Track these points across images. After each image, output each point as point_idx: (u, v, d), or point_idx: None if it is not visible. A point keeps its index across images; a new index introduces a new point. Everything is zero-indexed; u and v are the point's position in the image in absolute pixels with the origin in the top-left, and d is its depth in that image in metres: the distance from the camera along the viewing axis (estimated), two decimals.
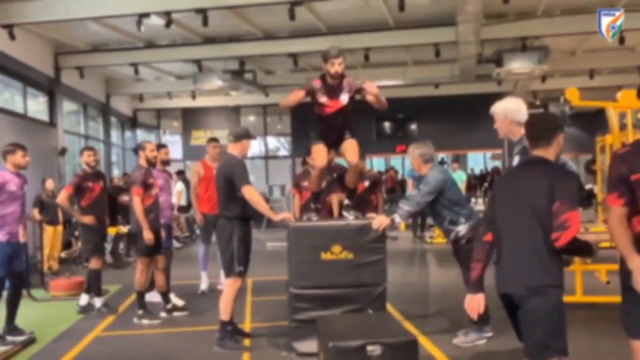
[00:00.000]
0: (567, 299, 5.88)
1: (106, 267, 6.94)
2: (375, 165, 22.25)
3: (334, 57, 4.91)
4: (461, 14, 9.49)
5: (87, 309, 6.70)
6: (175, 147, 20.51)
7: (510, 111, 3.98)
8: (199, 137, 19.19)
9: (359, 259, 4.77)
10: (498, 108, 4.04)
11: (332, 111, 5.09)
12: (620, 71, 15.34)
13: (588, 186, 16.95)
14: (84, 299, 6.79)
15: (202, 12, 9.05)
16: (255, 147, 20.00)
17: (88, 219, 6.60)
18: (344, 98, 5.05)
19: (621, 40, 10.08)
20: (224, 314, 5.09)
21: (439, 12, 10.73)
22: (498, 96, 4.32)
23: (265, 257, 10.67)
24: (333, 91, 5.03)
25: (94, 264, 6.70)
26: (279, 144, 20.79)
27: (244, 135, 5.29)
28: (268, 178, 19.45)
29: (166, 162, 7.30)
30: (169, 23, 9.43)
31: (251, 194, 4.98)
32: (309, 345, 4.62)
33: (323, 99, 5.08)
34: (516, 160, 4.01)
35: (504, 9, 10.06)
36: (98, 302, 6.69)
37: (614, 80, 15.40)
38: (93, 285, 6.68)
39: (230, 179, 5.02)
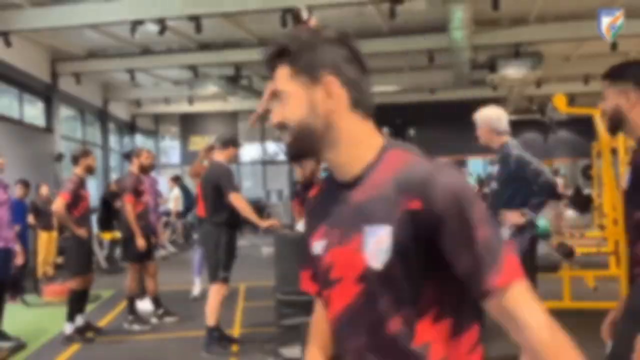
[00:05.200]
0: (554, 304, 5.97)
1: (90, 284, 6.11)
2: None
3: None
4: (453, 21, 9.54)
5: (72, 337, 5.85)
6: (174, 153, 20.62)
7: (491, 119, 4.02)
8: (197, 143, 19.24)
9: None
10: (479, 116, 4.09)
11: None
12: None
13: (586, 191, 16.97)
14: (68, 327, 5.85)
15: (196, 19, 9.11)
16: (253, 152, 20.07)
17: (82, 231, 5.84)
18: None
19: (613, 46, 10.12)
20: (211, 320, 5.13)
21: (432, 19, 10.79)
22: (494, 101, 4.35)
23: (259, 263, 10.69)
24: None
25: (76, 284, 5.88)
26: (277, 149, 20.85)
27: (230, 142, 5.34)
28: (266, 183, 19.50)
29: (152, 168, 7.35)
30: (163, 30, 9.49)
31: (237, 200, 5.03)
32: (295, 351, 4.65)
33: None
34: (496, 168, 4.06)
35: (497, 15, 10.11)
36: (69, 327, 5.81)
37: None
38: (71, 308, 5.83)
39: (219, 185, 5.07)
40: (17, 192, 9.19)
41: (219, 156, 5.30)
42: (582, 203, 17.03)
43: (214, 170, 5.24)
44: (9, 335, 5.65)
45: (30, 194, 9.67)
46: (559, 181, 13.79)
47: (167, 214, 13.87)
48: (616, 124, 2.19)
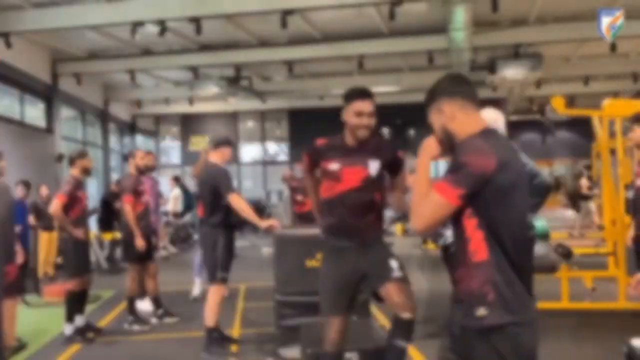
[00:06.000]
0: (553, 305, 5.99)
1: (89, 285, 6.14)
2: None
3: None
4: (453, 22, 9.57)
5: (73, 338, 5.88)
6: (175, 153, 20.66)
7: (487, 122, 4.03)
8: (198, 143, 19.29)
9: None
10: None
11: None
12: (615, 77, 15.41)
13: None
14: (67, 328, 5.87)
15: (196, 20, 9.14)
16: (253, 152, 20.11)
17: (80, 233, 5.84)
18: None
19: (613, 47, 10.14)
20: (209, 321, 5.16)
21: (432, 20, 10.82)
22: (494, 102, 4.37)
23: (259, 263, 10.73)
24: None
25: (74, 285, 5.88)
26: (278, 149, 20.88)
27: (223, 142, 5.37)
28: (266, 183, 19.52)
29: (151, 168, 7.36)
30: (163, 31, 9.53)
31: (237, 201, 5.06)
32: (294, 352, 4.68)
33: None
34: None
35: (497, 17, 10.14)
36: (68, 328, 5.84)
37: (609, 86, 15.47)
38: (69, 309, 5.84)
39: (216, 187, 5.10)
40: (18, 192, 9.22)
41: (214, 157, 5.33)
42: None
43: (210, 171, 5.27)
44: None
45: (31, 194, 9.71)
46: (584, 182, 13.90)
47: (166, 213, 13.90)
48: (451, 142, 2.18)
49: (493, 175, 1.97)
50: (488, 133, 2.12)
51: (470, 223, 2.03)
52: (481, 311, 1.99)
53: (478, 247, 2.03)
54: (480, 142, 2.04)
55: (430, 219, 2.04)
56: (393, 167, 3.37)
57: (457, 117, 2.15)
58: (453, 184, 1.99)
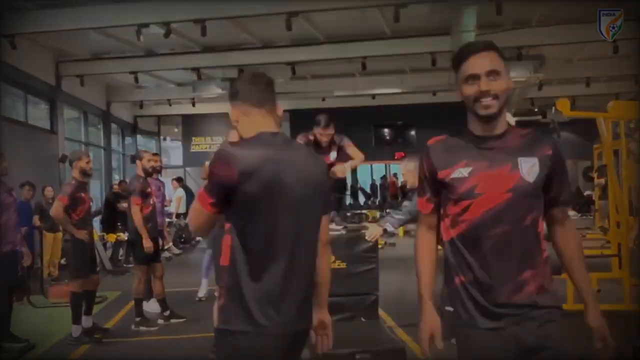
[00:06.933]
0: None
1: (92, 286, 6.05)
2: (375, 171, 22.34)
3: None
4: (461, 24, 9.60)
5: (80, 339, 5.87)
6: (175, 154, 20.66)
7: None
8: (200, 144, 19.31)
9: (351, 268, 4.86)
10: None
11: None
12: (616, 79, 15.45)
13: (586, 193, 17.01)
14: (75, 330, 5.85)
15: (201, 22, 9.17)
16: None
17: (83, 234, 5.79)
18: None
19: (615, 50, 10.18)
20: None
21: (435, 22, 10.85)
22: None
23: None
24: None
25: (76, 286, 5.85)
26: None
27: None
28: None
29: (157, 170, 7.38)
30: (167, 33, 9.56)
31: None
32: (303, 353, 4.70)
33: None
34: None
35: (499, 19, 10.17)
36: (76, 329, 5.82)
37: (610, 88, 15.50)
38: (74, 310, 5.80)
39: None
40: (23, 194, 9.24)
41: None
42: (583, 205, 17.06)
43: None
44: (18, 336, 5.68)
45: (36, 195, 9.73)
46: None
47: (169, 214, 13.94)
48: None
49: (236, 185, 2.00)
50: (255, 140, 2.11)
51: (225, 227, 2.10)
52: (216, 313, 2.10)
53: (225, 251, 2.08)
54: (231, 151, 2.05)
55: (196, 223, 2.15)
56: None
57: (240, 121, 2.18)
58: (206, 193, 2.07)
